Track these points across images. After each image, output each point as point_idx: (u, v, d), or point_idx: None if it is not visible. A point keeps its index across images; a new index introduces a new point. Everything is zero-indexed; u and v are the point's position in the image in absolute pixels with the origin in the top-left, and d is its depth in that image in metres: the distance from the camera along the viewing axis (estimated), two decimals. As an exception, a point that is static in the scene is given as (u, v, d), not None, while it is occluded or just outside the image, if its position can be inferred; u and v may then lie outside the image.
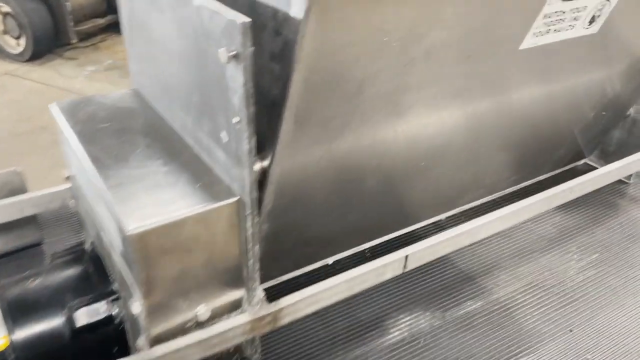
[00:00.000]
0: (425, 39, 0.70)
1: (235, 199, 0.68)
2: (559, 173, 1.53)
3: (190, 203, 0.66)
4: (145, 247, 0.63)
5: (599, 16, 0.92)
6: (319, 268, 1.10)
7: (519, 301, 1.08)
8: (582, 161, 1.57)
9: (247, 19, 0.56)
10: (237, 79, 0.60)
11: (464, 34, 0.74)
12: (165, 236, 0.64)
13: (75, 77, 3.24)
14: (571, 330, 1.02)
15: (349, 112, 0.74)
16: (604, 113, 1.31)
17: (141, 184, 0.70)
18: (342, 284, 0.82)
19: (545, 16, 0.82)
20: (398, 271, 0.88)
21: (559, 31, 0.88)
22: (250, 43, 0.57)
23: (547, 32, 0.86)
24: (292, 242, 0.95)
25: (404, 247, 1.22)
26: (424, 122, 0.87)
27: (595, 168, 1.58)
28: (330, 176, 0.84)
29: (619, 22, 0.98)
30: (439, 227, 1.29)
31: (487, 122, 1.02)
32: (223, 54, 0.59)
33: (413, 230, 1.26)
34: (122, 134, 0.80)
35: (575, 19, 0.88)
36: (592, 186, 1.15)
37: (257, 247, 0.71)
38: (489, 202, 1.37)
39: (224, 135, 0.67)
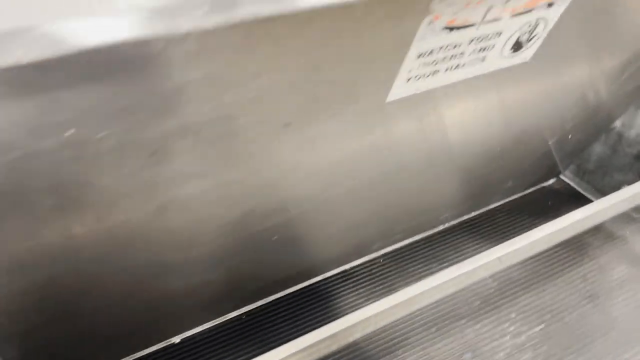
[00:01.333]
0: (165, 122, 0.42)
1: None
2: (520, 197, 1.24)
3: None
4: None
5: (529, 40, 0.61)
6: (163, 348, 0.87)
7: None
8: (551, 180, 1.27)
9: None
10: None
11: (263, 100, 0.45)
12: None
13: None
14: None
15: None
16: (569, 137, 1.00)
17: None
18: None
19: (420, 55, 0.52)
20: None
21: (461, 67, 0.58)
22: None
23: (435, 73, 0.56)
24: (102, 338, 0.71)
25: (296, 304, 0.97)
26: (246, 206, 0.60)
27: (569, 186, 1.28)
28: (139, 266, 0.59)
29: (568, 39, 0.67)
30: (346, 277, 1.03)
31: (397, 177, 0.74)
32: None
33: (311, 284, 1.01)
34: None
35: (482, 49, 0.57)
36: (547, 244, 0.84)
37: None
38: (418, 241, 1.10)
39: None
